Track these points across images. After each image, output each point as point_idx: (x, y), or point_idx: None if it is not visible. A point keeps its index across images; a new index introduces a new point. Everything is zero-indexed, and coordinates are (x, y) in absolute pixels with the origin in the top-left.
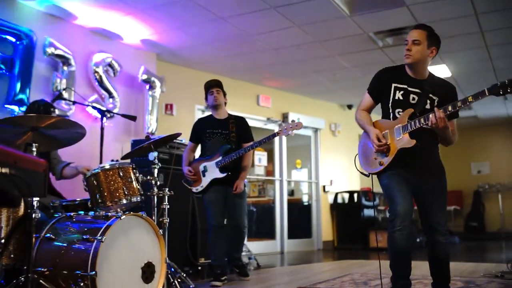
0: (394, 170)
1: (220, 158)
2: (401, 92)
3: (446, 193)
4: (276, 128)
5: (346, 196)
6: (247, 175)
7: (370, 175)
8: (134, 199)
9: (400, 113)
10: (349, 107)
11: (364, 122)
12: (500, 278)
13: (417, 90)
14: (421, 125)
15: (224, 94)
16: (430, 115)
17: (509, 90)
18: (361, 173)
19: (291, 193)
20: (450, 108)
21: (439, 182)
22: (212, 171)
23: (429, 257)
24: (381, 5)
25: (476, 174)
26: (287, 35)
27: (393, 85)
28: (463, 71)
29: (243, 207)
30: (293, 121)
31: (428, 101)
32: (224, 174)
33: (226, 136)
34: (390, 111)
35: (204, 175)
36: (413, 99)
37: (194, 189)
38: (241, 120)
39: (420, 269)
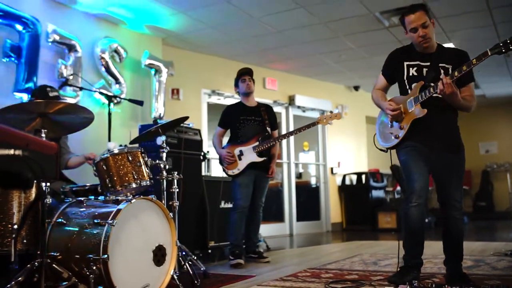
0: (412, 144)
1: (257, 143)
2: (415, 68)
3: (464, 170)
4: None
5: (354, 177)
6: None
7: (389, 150)
8: (143, 183)
9: None
10: (356, 88)
11: (379, 99)
12: (510, 256)
13: (428, 64)
14: (431, 94)
15: (253, 82)
16: (439, 83)
17: (511, 48)
18: (380, 149)
19: (299, 175)
20: (456, 73)
21: (456, 157)
22: (249, 155)
23: (443, 233)
24: None
25: (484, 153)
26: (292, 16)
27: (405, 63)
28: (470, 50)
29: (265, 190)
30: (331, 111)
31: (442, 71)
32: (263, 159)
33: (260, 123)
34: (407, 87)
35: (240, 159)
36: (427, 72)
37: (230, 172)
38: (270, 108)
39: (430, 248)
